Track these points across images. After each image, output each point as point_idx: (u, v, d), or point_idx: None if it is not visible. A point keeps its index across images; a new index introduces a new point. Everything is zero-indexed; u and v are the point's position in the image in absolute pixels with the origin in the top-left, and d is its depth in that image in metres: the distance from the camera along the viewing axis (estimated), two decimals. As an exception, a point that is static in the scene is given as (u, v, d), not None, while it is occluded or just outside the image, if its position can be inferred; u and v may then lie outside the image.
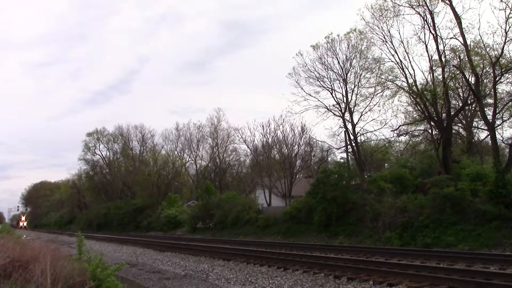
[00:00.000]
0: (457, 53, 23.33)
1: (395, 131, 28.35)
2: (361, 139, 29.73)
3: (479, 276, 10.38)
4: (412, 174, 27.93)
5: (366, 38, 27.11)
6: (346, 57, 29.00)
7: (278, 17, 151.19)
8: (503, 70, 21.69)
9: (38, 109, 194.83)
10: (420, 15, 23.80)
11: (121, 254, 24.56)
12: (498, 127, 25.10)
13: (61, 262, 8.47)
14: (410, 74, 24.94)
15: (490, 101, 24.97)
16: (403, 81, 25.43)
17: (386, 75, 26.15)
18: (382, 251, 17.15)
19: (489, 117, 23.26)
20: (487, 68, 22.78)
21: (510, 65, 21.55)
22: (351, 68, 28.96)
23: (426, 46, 24.17)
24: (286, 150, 46.53)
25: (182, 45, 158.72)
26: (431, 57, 24.37)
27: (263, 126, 47.65)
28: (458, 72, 23.51)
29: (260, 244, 24.81)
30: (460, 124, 32.70)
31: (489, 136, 24.71)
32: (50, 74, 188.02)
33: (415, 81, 24.96)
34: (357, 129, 28.97)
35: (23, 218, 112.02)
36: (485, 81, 23.61)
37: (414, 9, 23.81)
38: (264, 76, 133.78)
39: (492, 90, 22.80)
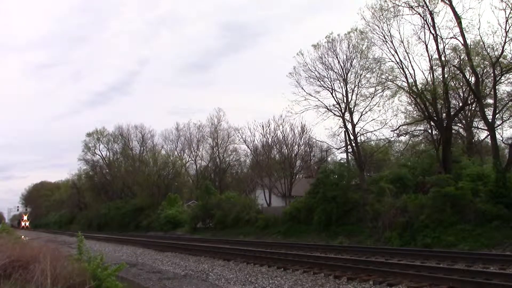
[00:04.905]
0: (457, 53, 23.34)
1: (395, 131, 28.40)
2: (361, 139, 29.76)
3: (479, 276, 10.38)
4: (411, 172, 27.93)
5: (366, 38, 27.14)
6: (346, 57, 29.05)
7: (277, 18, 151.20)
8: (503, 70, 21.69)
9: (39, 110, 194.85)
10: (420, 15, 23.82)
11: (121, 254, 24.56)
12: (498, 127, 25.15)
13: (61, 262, 8.47)
14: (410, 74, 24.98)
15: (490, 101, 24.96)
16: (403, 81, 25.47)
17: (386, 75, 26.18)
18: (382, 251, 17.14)
19: (489, 117, 23.26)
20: (487, 68, 22.78)
21: (510, 65, 21.54)
22: (352, 68, 29.01)
23: (426, 46, 24.21)
24: (286, 150, 46.60)
25: (182, 47, 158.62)
26: (431, 57, 24.41)
27: (263, 126, 47.71)
28: (458, 72, 23.52)
29: (260, 244, 24.81)
30: (460, 124, 32.69)
31: (489, 136, 24.72)
32: (51, 75, 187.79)
33: (415, 81, 25.00)
34: (357, 129, 29.00)
35: (25, 217, 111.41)
36: (485, 81, 23.61)
37: (414, 9, 23.82)
38: (264, 77, 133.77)
39: (492, 90, 22.80)
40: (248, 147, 51.44)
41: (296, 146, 47.14)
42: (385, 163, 39.09)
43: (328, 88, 29.69)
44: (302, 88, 30.03)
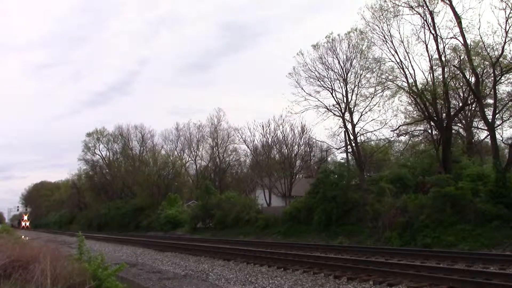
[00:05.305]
0: (457, 53, 23.35)
1: (395, 131, 28.39)
2: (361, 139, 29.75)
3: (479, 276, 10.38)
4: (411, 172, 27.92)
5: (366, 38, 27.15)
6: (346, 57, 29.05)
7: (277, 18, 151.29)
8: (503, 70, 21.69)
9: (39, 110, 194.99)
10: (420, 15, 23.84)
11: (121, 254, 24.56)
12: (498, 127, 25.13)
13: (61, 262, 8.47)
14: (410, 74, 24.99)
15: (490, 101, 24.97)
16: (403, 81, 25.47)
17: (386, 75, 26.19)
18: (382, 251, 17.14)
19: (489, 117, 23.26)
20: (487, 68, 22.78)
21: (510, 65, 21.54)
22: (352, 68, 29.02)
23: (426, 46, 24.24)
24: (286, 150, 46.58)
25: (182, 47, 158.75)
26: (431, 57, 24.42)
27: (263, 126, 47.69)
28: (458, 72, 23.52)
29: (260, 244, 24.81)
30: (460, 124, 32.70)
31: (489, 136, 24.72)
32: (51, 75, 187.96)
33: (415, 81, 25.00)
34: (357, 129, 29.00)
35: (25, 217, 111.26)
36: (485, 81, 23.61)
37: (414, 9, 23.83)
38: (264, 77, 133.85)
39: (492, 90, 22.80)
40: (248, 147, 51.50)
41: (296, 146, 47.17)
42: (385, 163, 39.07)
43: (328, 88, 29.74)
44: (302, 88, 30.08)
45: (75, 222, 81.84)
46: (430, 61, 24.51)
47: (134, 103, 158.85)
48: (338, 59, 29.24)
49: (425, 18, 23.68)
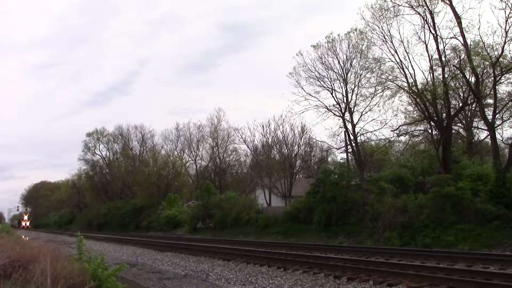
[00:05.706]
0: (457, 53, 23.35)
1: (395, 131, 28.35)
2: (361, 139, 29.73)
3: (479, 276, 10.39)
4: (411, 172, 27.87)
5: (366, 37, 27.13)
6: (346, 57, 29.02)
7: (277, 18, 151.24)
8: (503, 70, 21.67)
9: (39, 110, 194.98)
10: (420, 15, 23.84)
11: (121, 254, 24.56)
12: (498, 127, 25.08)
13: (61, 262, 8.47)
14: (410, 74, 24.98)
15: (490, 101, 24.95)
16: (403, 81, 25.45)
17: (386, 75, 26.17)
18: (382, 251, 17.14)
19: (489, 117, 23.26)
20: (487, 68, 22.76)
21: (510, 65, 21.53)
22: (351, 68, 28.98)
23: (426, 46, 24.23)
24: (286, 150, 46.57)
25: (182, 47, 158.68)
26: (431, 57, 24.42)
27: (263, 126, 47.69)
28: (458, 72, 23.52)
29: (260, 244, 24.81)
30: (460, 124, 32.67)
31: (489, 136, 24.71)
32: (51, 75, 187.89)
33: (415, 81, 25.00)
34: (357, 129, 28.97)
35: (25, 217, 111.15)
36: (485, 81, 23.59)
37: (414, 9, 23.85)
38: (264, 77, 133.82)
39: (492, 90, 22.79)
40: (248, 147, 51.50)
41: (296, 146, 47.15)
42: (385, 163, 39.05)
43: (328, 88, 29.71)
44: (302, 88, 30.05)
45: (75, 222, 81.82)
46: (430, 61, 24.54)
47: (134, 103, 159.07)
48: (338, 59, 29.26)
49: (425, 18, 23.71)
